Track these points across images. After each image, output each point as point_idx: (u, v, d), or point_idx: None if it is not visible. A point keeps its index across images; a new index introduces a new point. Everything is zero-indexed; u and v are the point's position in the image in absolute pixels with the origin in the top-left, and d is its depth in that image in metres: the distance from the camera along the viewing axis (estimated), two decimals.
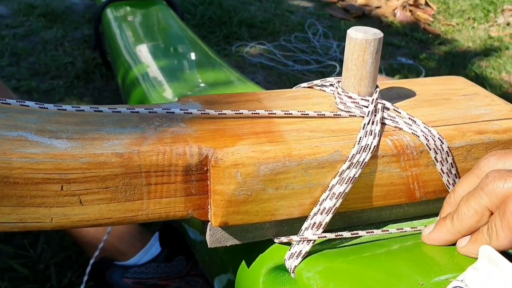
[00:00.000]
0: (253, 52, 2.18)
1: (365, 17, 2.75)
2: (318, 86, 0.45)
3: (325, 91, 0.45)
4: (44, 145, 0.33)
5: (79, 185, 0.34)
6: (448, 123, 0.41)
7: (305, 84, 0.46)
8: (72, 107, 0.37)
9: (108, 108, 0.38)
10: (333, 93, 0.44)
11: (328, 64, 2.11)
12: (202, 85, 1.02)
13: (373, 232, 0.39)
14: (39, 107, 0.37)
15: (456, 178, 0.40)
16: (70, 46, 2.05)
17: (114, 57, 1.42)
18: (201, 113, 0.39)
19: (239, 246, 0.46)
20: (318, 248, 0.39)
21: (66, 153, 0.33)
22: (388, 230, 0.40)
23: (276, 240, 0.41)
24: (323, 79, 0.45)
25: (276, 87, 1.92)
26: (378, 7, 2.85)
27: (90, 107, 0.38)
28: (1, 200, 0.33)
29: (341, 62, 2.05)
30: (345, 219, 0.42)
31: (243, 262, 0.44)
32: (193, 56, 1.28)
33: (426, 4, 2.89)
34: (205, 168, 0.36)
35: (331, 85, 0.44)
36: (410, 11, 2.77)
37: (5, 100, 0.36)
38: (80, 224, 0.35)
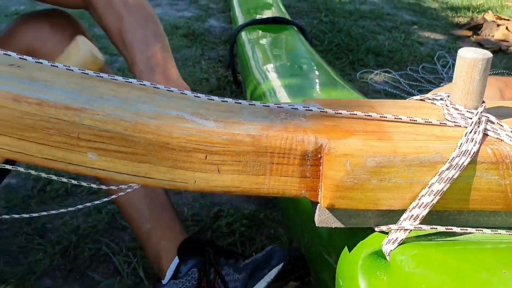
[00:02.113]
0: (378, 79, 2.21)
1: (502, 53, 2.63)
2: (429, 99, 0.50)
3: (435, 104, 0.50)
4: (197, 123, 0.43)
5: (219, 156, 0.42)
6: None
7: (417, 97, 0.51)
8: (219, 98, 0.47)
9: (246, 102, 0.47)
10: (443, 106, 0.48)
11: None
12: None
13: (467, 229, 0.43)
14: (194, 96, 0.47)
15: None
16: (206, 64, 2.26)
17: (244, 75, 1.55)
18: (320, 111, 0.46)
19: (343, 233, 0.52)
20: (413, 239, 0.44)
21: (212, 130, 0.42)
22: (482, 230, 0.43)
23: (376, 229, 0.46)
24: (435, 94, 0.50)
25: None
26: None
27: (233, 100, 0.47)
28: (161, 161, 0.42)
29: None
30: (442, 219, 0.46)
31: (346, 247, 0.50)
32: (316, 74, 1.36)
33: None
34: (319, 155, 0.43)
35: (441, 99, 0.49)
36: None
37: (170, 88, 0.47)
38: (215, 189, 0.44)
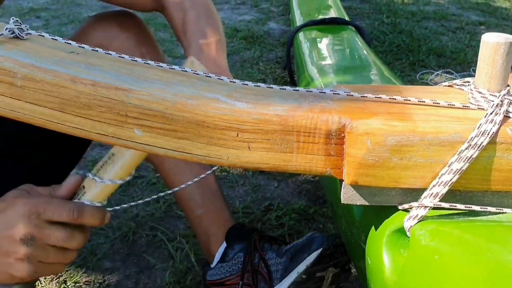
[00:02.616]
0: (438, 80, 2.16)
1: None
2: (457, 85, 0.51)
3: (463, 89, 0.51)
4: (230, 104, 0.47)
5: (249, 134, 0.46)
6: None
7: (446, 83, 0.53)
8: (252, 83, 0.51)
9: (277, 87, 0.50)
10: (468, 91, 0.50)
11: None
12: None
13: (486, 208, 0.44)
14: (230, 81, 0.51)
15: None
16: (264, 65, 2.31)
17: (299, 72, 1.59)
18: (347, 95, 0.49)
19: (372, 216, 0.54)
20: (435, 218, 0.45)
21: (243, 110, 0.46)
22: (502, 209, 0.44)
23: (399, 207, 0.48)
24: (464, 79, 0.51)
25: None
26: None
27: (265, 85, 0.50)
28: (197, 138, 0.47)
29: None
30: (466, 200, 0.47)
31: (373, 227, 0.52)
32: (371, 74, 1.37)
33: None
34: (343, 135, 0.45)
35: (469, 84, 0.50)
36: None
37: (208, 74, 0.51)
38: (246, 165, 0.48)
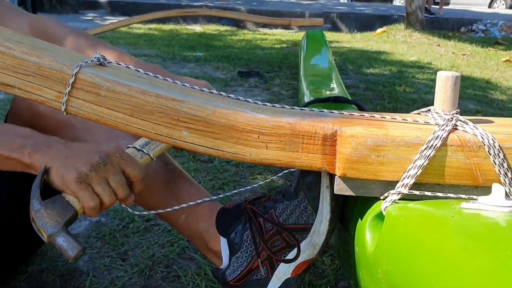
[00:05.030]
0: None
1: None
2: (423, 112, 0.69)
3: (427, 115, 0.68)
4: (253, 114, 0.64)
5: (267, 137, 0.63)
6: (505, 134, 0.60)
7: (416, 111, 0.70)
8: (271, 105, 0.68)
9: (288, 107, 0.68)
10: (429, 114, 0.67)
11: None
12: None
13: (447, 194, 0.59)
14: (253, 102, 0.69)
15: (508, 171, 0.58)
16: None
17: None
18: (339, 113, 0.66)
19: (359, 211, 0.69)
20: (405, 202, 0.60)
21: (263, 118, 0.63)
22: (459, 195, 0.59)
23: (381, 197, 0.63)
24: (427, 107, 0.68)
25: None
26: None
27: (279, 105, 0.68)
28: (228, 138, 0.64)
29: None
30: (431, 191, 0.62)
31: (359, 219, 0.67)
32: None
33: None
34: (335, 138, 0.62)
35: (430, 110, 0.67)
36: None
37: (238, 98, 0.69)
38: (264, 162, 0.64)
